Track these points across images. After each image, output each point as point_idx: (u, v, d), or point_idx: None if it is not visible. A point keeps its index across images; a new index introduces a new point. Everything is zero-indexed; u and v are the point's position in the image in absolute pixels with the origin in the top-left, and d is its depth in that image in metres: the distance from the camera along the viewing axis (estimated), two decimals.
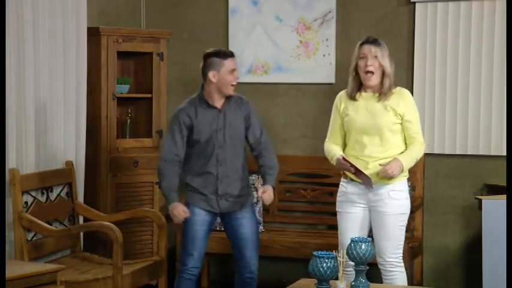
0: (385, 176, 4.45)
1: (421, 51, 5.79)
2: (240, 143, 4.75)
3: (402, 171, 4.48)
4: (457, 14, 5.69)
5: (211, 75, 4.64)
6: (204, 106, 4.70)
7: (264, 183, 4.77)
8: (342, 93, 4.69)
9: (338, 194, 4.69)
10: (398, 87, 4.60)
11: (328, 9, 6.01)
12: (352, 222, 4.59)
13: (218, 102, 4.70)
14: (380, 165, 4.45)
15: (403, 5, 5.85)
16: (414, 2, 5.79)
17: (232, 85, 4.67)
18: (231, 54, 4.69)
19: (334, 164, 4.60)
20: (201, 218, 4.73)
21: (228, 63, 4.64)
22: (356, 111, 4.56)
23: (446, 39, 5.73)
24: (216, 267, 6.38)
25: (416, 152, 4.54)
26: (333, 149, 4.64)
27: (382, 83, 4.53)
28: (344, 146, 4.68)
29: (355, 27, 5.98)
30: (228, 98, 4.72)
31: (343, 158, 4.50)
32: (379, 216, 4.54)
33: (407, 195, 4.62)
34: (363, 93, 4.57)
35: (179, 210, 4.66)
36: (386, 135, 4.50)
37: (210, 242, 5.80)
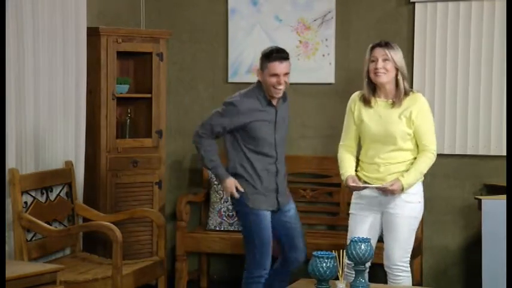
0: (384, 193, 4.49)
1: (421, 51, 5.79)
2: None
3: (402, 190, 4.47)
4: (457, 14, 5.69)
5: (257, 72, 4.67)
6: (263, 103, 4.67)
7: None
8: (356, 96, 4.68)
9: (353, 196, 4.70)
10: (412, 92, 4.58)
11: (328, 9, 6.01)
12: (364, 225, 4.59)
13: (273, 101, 4.71)
14: (380, 186, 4.48)
15: (402, 5, 5.86)
16: (414, 2, 5.79)
17: (275, 88, 4.61)
18: (278, 57, 4.60)
19: (344, 183, 4.64)
20: (269, 221, 4.72)
21: (271, 65, 4.59)
22: (370, 118, 4.56)
23: (446, 39, 5.73)
24: (216, 267, 6.38)
25: (424, 165, 4.52)
26: (345, 164, 4.65)
27: (397, 86, 4.52)
28: (358, 149, 4.70)
29: (355, 27, 5.98)
30: (281, 97, 4.72)
31: (353, 183, 4.54)
32: (390, 218, 4.53)
33: (421, 199, 4.60)
34: (378, 99, 4.56)
35: (234, 190, 4.64)
36: (399, 143, 4.50)
37: (209, 242, 5.84)
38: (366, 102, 4.59)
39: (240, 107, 4.63)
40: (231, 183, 4.66)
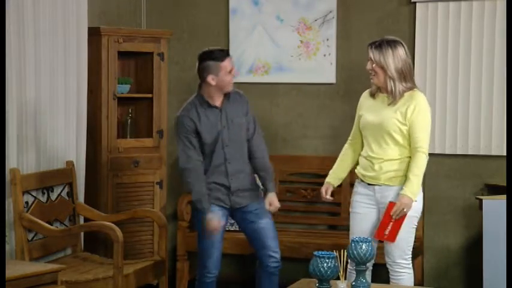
0: (402, 214, 4.44)
1: (422, 51, 5.79)
2: (244, 138, 4.78)
3: (414, 200, 4.44)
4: (458, 14, 5.69)
5: (209, 78, 4.65)
6: (204, 107, 4.70)
7: (266, 191, 4.85)
8: (365, 93, 4.70)
9: (352, 194, 4.71)
10: (411, 91, 4.52)
11: (329, 9, 6.01)
12: (361, 222, 4.58)
13: (218, 101, 4.72)
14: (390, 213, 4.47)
15: (403, 5, 5.86)
16: (415, 2, 5.79)
17: (230, 82, 4.69)
18: (226, 54, 4.67)
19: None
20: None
21: (225, 65, 4.64)
22: (368, 111, 4.57)
23: (447, 39, 5.73)
24: None
25: (419, 168, 4.45)
26: (336, 166, 4.76)
27: (387, 85, 4.52)
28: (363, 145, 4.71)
29: (356, 27, 5.98)
30: (226, 95, 4.72)
31: (325, 192, 4.73)
32: None
33: (418, 198, 4.55)
34: (380, 94, 4.57)
35: (215, 225, 4.65)
36: (392, 135, 4.48)
37: None
38: (371, 95, 4.62)
39: (185, 114, 4.69)
40: (214, 220, 4.66)
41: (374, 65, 4.48)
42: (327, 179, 4.76)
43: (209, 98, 4.71)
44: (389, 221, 4.42)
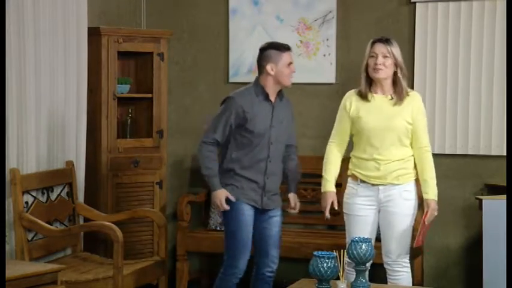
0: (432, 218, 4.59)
1: (422, 51, 5.79)
2: (285, 141, 4.81)
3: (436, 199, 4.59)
4: (458, 14, 5.69)
5: (269, 67, 4.65)
6: (260, 98, 4.68)
7: (289, 190, 4.88)
8: (351, 94, 4.66)
9: (345, 195, 4.69)
10: (411, 91, 4.61)
11: (329, 9, 6.02)
12: (362, 225, 4.58)
13: (273, 97, 4.72)
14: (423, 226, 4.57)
15: (403, 5, 5.86)
16: (415, 2, 5.79)
17: (290, 76, 4.71)
18: (288, 48, 4.70)
19: (322, 191, 4.76)
20: (249, 218, 4.70)
21: (285, 57, 4.66)
22: (368, 112, 4.55)
23: (447, 39, 5.73)
24: (217, 267, 6.37)
25: (433, 168, 4.58)
26: (331, 170, 4.74)
27: (395, 83, 4.51)
28: (348, 147, 4.69)
29: (356, 27, 5.98)
30: (278, 94, 4.73)
31: (327, 210, 4.73)
32: (389, 216, 4.54)
33: (416, 196, 4.63)
34: (374, 94, 4.56)
35: (223, 200, 4.61)
36: (400, 137, 4.50)
37: (210, 242, 5.84)
38: (363, 97, 4.58)
39: (238, 99, 4.66)
40: (221, 193, 4.63)
41: (387, 59, 4.48)
42: (330, 188, 4.73)
43: (267, 89, 4.70)
44: (424, 227, 4.57)
